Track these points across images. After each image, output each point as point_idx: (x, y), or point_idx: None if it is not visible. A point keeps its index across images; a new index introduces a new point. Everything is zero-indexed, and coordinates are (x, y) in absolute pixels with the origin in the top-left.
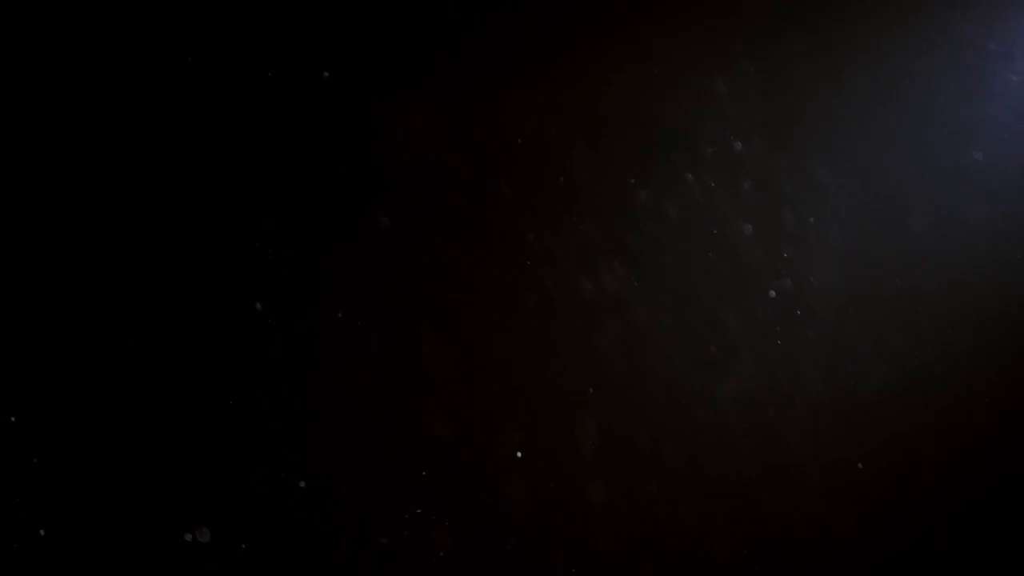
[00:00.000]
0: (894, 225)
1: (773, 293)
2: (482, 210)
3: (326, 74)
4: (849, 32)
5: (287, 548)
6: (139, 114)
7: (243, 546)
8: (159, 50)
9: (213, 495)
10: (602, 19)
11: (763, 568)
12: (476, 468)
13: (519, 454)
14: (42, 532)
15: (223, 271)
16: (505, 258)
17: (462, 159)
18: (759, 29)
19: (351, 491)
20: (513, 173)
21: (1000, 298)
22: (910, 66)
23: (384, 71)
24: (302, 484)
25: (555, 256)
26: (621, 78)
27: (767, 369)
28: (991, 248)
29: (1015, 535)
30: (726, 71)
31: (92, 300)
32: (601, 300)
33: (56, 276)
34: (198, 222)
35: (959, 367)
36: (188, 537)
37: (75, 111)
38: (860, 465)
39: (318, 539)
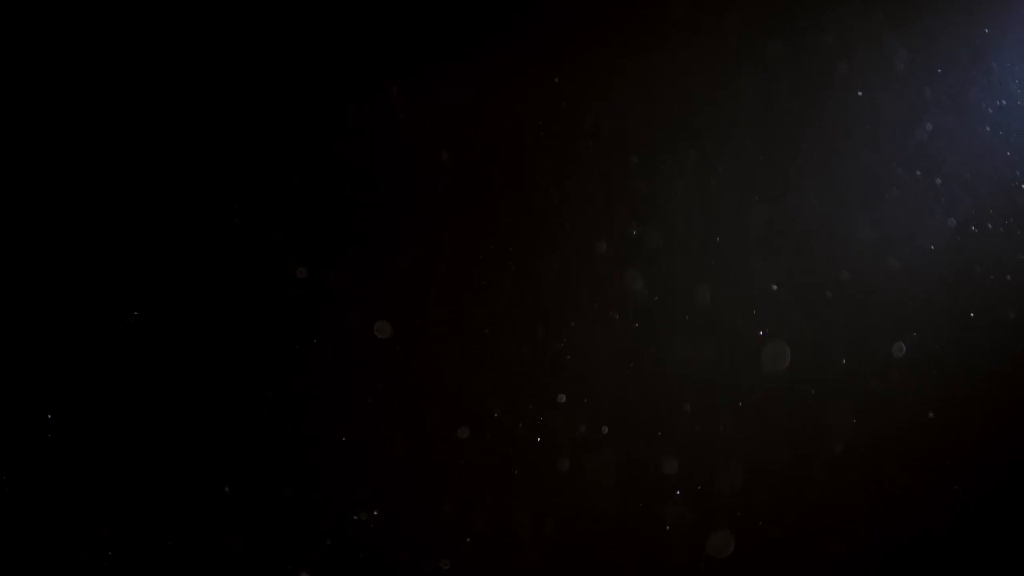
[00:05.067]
0: (897, 225)
1: (775, 287)
2: (485, 209)
3: (326, 77)
4: (851, 33)
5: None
6: (142, 117)
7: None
8: (162, 51)
9: (214, 493)
10: (601, 21)
11: (765, 564)
12: (479, 465)
13: (520, 453)
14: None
15: (223, 271)
16: (507, 257)
17: (463, 159)
18: (758, 31)
19: (352, 487)
20: (513, 174)
21: (1002, 299)
22: (912, 68)
23: (384, 71)
24: (302, 483)
25: (556, 255)
26: (622, 79)
27: (764, 368)
28: (994, 249)
29: (1015, 533)
30: (726, 72)
31: (104, 303)
32: (600, 300)
33: (74, 279)
34: (200, 223)
35: (961, 366)
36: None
37: (85, 113)
38: (862, 462)
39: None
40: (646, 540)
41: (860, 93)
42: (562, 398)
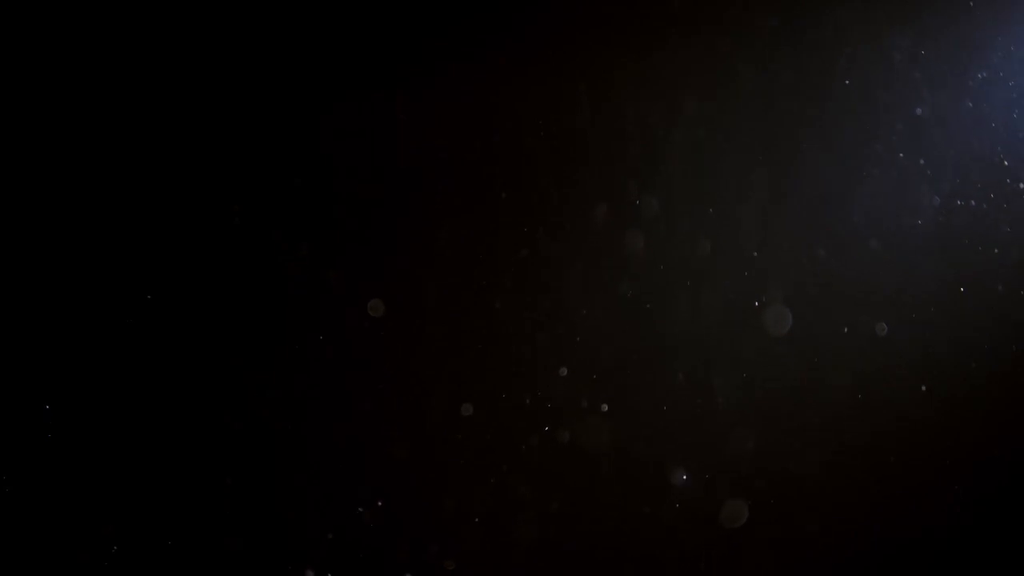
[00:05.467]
0: (897, 224)
1: (775, 285)
2: (485, 209)
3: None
4: (850, 33)
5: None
6: (143, 117)
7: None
8: (163, 53)
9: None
10: (601, 21)
11: (765, 563)
12: (480, 458)
13: (523, 447)
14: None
15: (224, 271)
16: (507, 257)
17: (463, 159)
18: (757, 32)
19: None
20: (513, 174)
21: (1002, 297)
22: (911, 67)
23: (384, 71)
24: (303, 477)
25: (556, 253)
26: (622, 80)
27: (765, 365)
28: (995, 247)
29: (1015, 533)
30: (725, 73)
31: (105, 303)
32: (599, 299)
33: (75, 279)
34: (201, 223)
35: (962, 365)
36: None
37: (87, 114)
38: (863, 459)
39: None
40: (645, 532)
41: (848, 82)
42: (564, 371)
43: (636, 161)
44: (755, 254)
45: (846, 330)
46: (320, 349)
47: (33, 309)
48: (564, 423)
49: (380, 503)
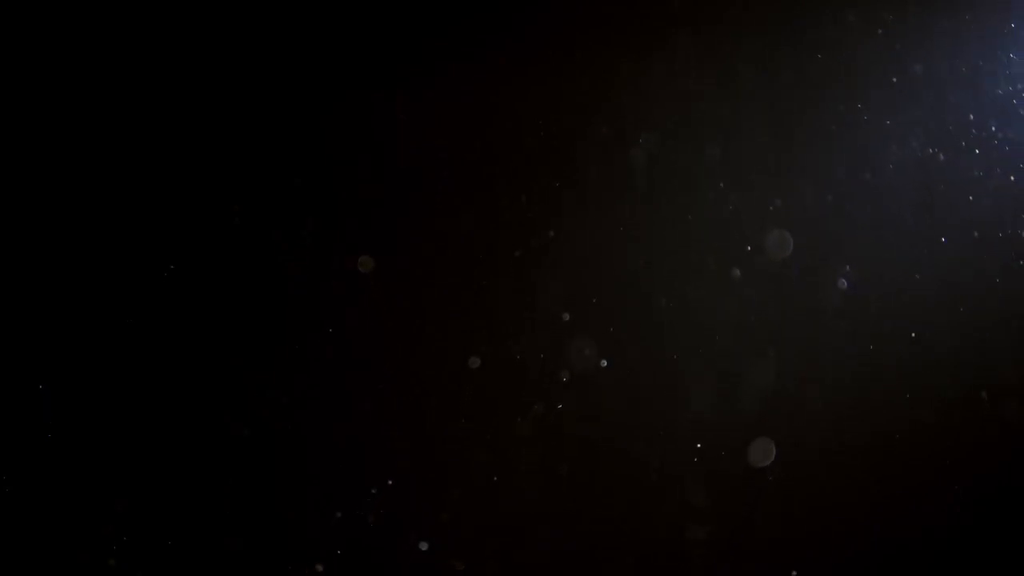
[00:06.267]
0: (897, 223)
1: (774, 285)
2: (485, 209)
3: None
4: (849, 28)
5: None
6: (142, 117)
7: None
8: (162, 51)
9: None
10: (601, 21)
11: (764, 564)
12: (477, 455)
13: (518, 445)
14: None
15: (223, 271)
16: (508, 257)
17: (463, 159)
18: (758, 29)
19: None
20: (513, 173)
21: (1002, 297)
22: (911, 63)
23: (384, 71)
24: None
25: (556, 254)
26: (622, 79)
27: (763, 364)
28: (995, 246)
29: (1015, 531)
30: (726, 72)
31: (105, 303)
32: (599, 297)
33: (75, 280)
34: (201, 223)
35: (962, 364)
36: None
37: (87, 114)
38: (862, 459)
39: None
40: (643, 531)
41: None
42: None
43: (636, 161)
44: (753, 255)
45: (845, 329)
46: (320, 349)
47: (33, 308)
48: (565, 425)
49: (379, 503)
